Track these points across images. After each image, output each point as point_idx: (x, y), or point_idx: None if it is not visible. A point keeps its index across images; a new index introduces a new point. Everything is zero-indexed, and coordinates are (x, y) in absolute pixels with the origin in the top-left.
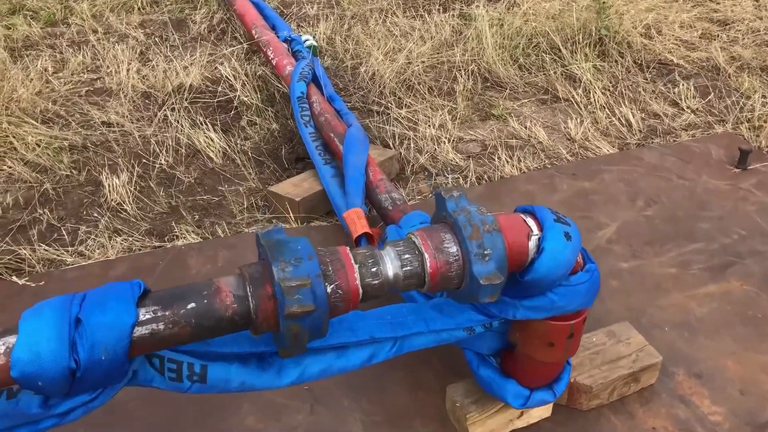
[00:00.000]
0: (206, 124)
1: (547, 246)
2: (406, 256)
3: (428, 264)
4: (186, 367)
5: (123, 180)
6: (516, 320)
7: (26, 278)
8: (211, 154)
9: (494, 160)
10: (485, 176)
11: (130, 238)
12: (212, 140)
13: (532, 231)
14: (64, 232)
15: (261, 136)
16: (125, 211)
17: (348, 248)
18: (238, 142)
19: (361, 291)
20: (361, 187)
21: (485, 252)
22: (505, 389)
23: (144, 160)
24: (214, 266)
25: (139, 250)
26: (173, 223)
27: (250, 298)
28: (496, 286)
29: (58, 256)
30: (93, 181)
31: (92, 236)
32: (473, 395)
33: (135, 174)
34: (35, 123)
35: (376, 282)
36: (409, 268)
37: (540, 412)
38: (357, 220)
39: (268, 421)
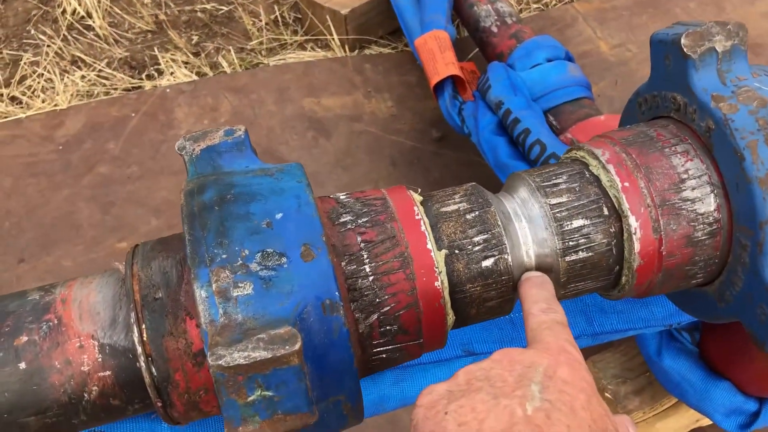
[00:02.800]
0: None
1: None
2: (580, 222)
3: (638, 243)
4: None
5: None
6: None
7: None
8: None
9: None
10: None
11: (93, 74)
12: None
13: None
14: None
15: None
16: (91, 29)
17: (416, 199)
18: None
19: (451, 316)
20: None
21: None
22: (710, 397)
23: None
24: (214, 122)
25: (106, 93)
26: (157, 49)
27: (142, 358)
28: None
29: None
30: None
31: (38, 70)
32: (634, 378)
33: None
34: None
35: (493, 292)
36: (584, 254)
37: None
38: (438, 53)
39: None
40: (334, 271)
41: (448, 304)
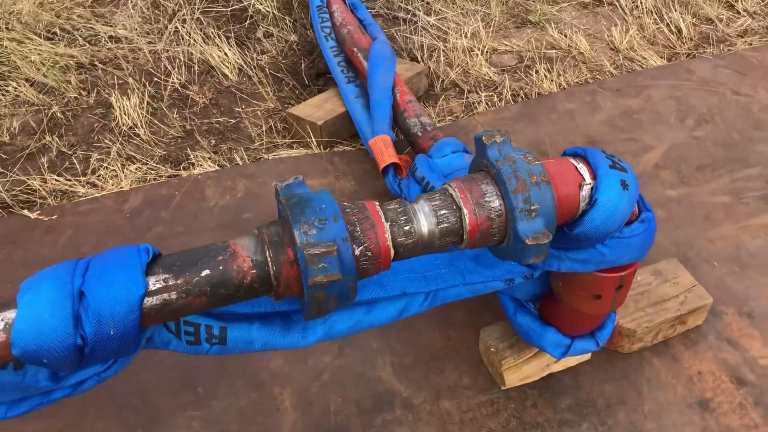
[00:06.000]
0: (219, 37)
1: (600, 197)
2: (443, 211)
3: (467, 220)
4: (204, 330)
5: (134, 102)
6: (560, 271)
7: (38, 212)
8: (226, 71)
9: (531, 74)
10: (521, 93)
11: (144, 167)
12: (227, 55)
13: (584, 180)
14: (75, 161)
15: (278, 49)
16: (138, 136)
17: (377, 204)
18: (254, 56)
19: (392, 252)
20: (388, 110)
21: (532, 208)
22: (544, 338)
23: (155, 79)
24: (233, 197)
25: (154, 179)
26: (188, 149)
27: (270, 264)
28: (543, 247)
29: (70, 187)
30: (103, 103)
31: (105, 164)
32: (508, 339)
33: (146, 95)
34: (38, 39)
35: (410, 241)
36: (446, 224)
37: (579, 357)
38: (384, 149)
39: (295, 364)
40: (345, 227)
41: (391, 245)
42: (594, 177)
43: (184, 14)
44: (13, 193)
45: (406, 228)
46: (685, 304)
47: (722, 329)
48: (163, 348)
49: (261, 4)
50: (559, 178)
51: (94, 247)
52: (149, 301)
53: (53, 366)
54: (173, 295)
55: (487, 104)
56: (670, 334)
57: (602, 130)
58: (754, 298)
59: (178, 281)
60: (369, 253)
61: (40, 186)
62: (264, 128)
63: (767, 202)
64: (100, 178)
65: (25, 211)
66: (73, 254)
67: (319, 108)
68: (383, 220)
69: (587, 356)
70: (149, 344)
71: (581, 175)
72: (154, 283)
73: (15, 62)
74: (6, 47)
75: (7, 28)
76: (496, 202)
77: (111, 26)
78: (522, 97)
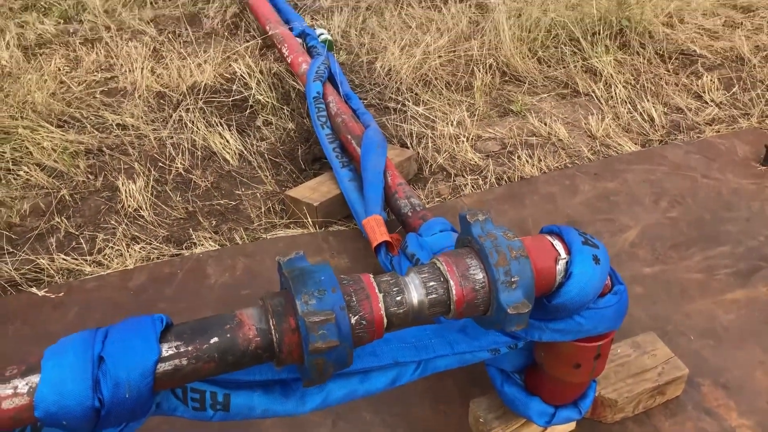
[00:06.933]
0: (221, 125)
1: (575, 270)
2: (431, 283)
3: (454, 291)
4: (209, 396)
5: (139, 185)
6: (542, 341)
7: (45, 289)
8: (227, 156)
9: (514, 159)
10: (505, 176)
11: (149, 246)
12: (228, 142)
13: (559, 255)
14: (82, 241)
15: (277, 136)
16: (142, 217)
17: (371, 276)
18: (253, 143)
19: (385, 321)
20: (380, 192)
21: (512, 279)
22: (530, 407)
23: (160, 164)
24: (232, 275)
25: (158, 258)
26: (191, 230)
27: (273, 332)
28: (523, 315)
29: (76, 265)
30: (110, 187)
31: (110, 244)
32: (496, 410)
33: (151, 179)
34: (50, 127)
35: (401, 311)
36: (434, 295)
37: (564, 427)
38: (376, 228)
39: None
40: (342, 297)
41: (384, 315)
42: (569, 252)
43: (187, 104)
44: (22, 271)
45: (398, 298)
46: (663, 375)
47: (700, 400)
48: (171, 414)
49: (261, 95)
50: (537, 253)
51: (100, 323)
52: (162, 367)
53: (71, 428)
54: (184, 361)
55: (472, 187)
56: (651, 404)
57: (581, 211)
58: (729, 369)
59: (189, 348)
60: (364, 322)
61: (48, 265)
62: (263, 209)
63: (738, 278)
64: (106, 257)
65: (33, 289)
66: (80, 329)
67: (315, 190)
68: (377, 291)
69: (572, 426)
70: (158, 410)
71: (557, 250)
72: (167, 349)
73: (28, 148)
74: (20, 135)
75: (21, 117)
76: (479, 275)
77: (119, 115)
78: (505, 180)
